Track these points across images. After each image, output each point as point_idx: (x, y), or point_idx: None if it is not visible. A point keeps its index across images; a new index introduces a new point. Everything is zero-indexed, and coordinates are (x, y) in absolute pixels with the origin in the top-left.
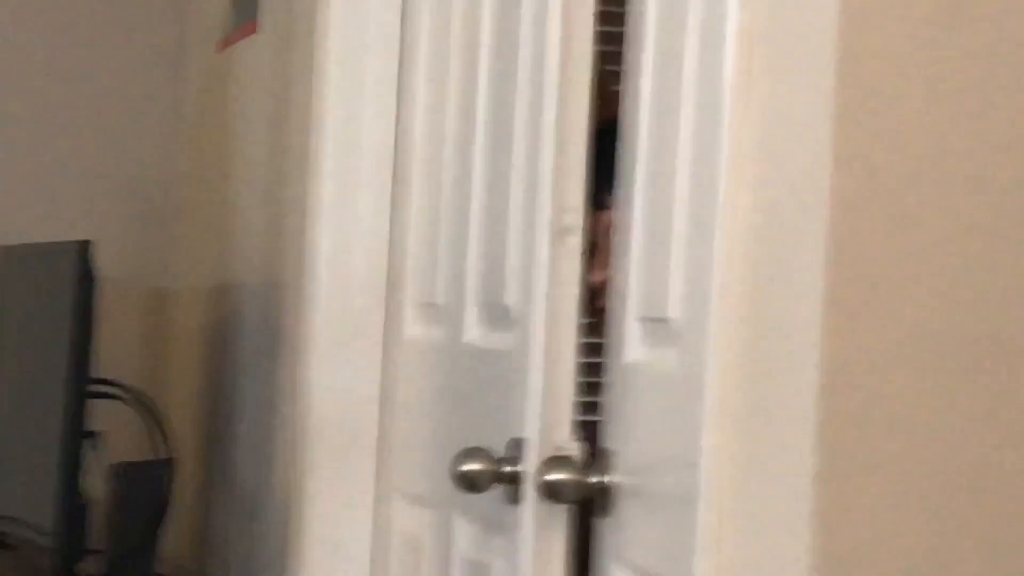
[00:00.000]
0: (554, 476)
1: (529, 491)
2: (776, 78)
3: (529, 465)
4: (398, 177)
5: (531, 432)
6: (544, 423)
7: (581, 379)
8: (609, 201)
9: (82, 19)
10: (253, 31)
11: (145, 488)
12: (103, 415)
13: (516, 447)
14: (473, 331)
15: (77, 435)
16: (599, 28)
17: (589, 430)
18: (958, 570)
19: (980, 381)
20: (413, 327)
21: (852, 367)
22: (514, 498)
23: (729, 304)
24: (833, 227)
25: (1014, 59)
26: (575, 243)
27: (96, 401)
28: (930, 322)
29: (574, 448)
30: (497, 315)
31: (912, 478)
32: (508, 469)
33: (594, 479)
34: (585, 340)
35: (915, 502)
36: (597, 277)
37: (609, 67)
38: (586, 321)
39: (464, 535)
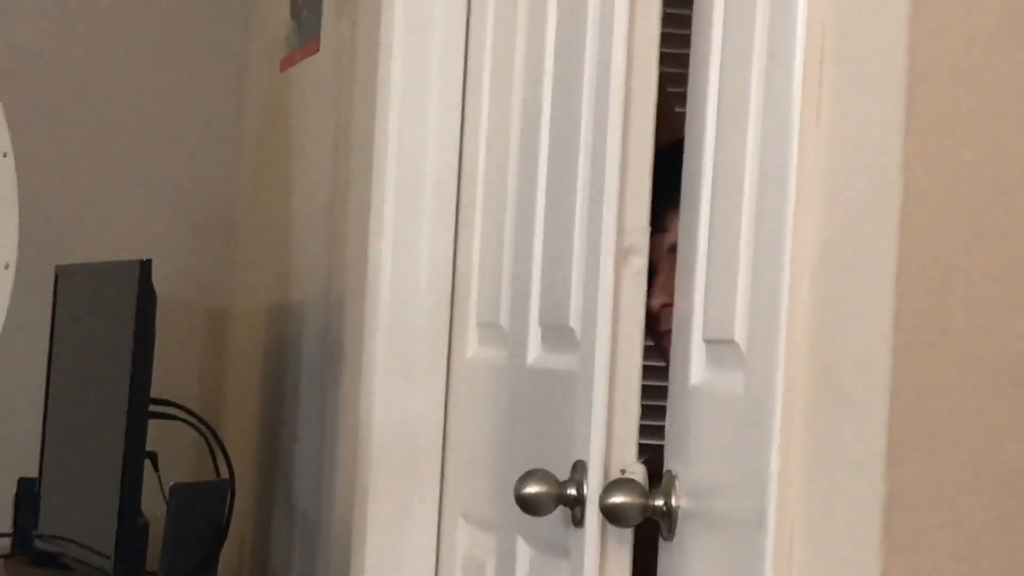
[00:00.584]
0: (617, 499)
1: (592, 514)
2: (845, 100)
3: (592, 488)
4: (462, 197)
5: (595, 454)
6: (608, 445)
7: (643, 402)
8: (669, 223)
9: (145, 36)
10: (316, 51)
11: (204, 509)
12: (162, 435)
13: (579, 469)
14: (536, 352)
15: (137, 455)
16: (663, 49)
17: (646, 453)
18: None
19: None
20: (476, 348)
21: (922, 391)
22: (577, 521)
23: (797, 326)
24: (903, 250)
25: None
26: (639, 263)
27: (155, 421)
28: (1004, 347)
29: (638, 471)
30: (560, 336)
31: (984, 503)
32: (571, 492)
33: (658, 502)
34: (646, 363)
35: (986, 527)
36: (657, 301)
37: (672, 89)
38: (647, 344)
39: (527, 558)
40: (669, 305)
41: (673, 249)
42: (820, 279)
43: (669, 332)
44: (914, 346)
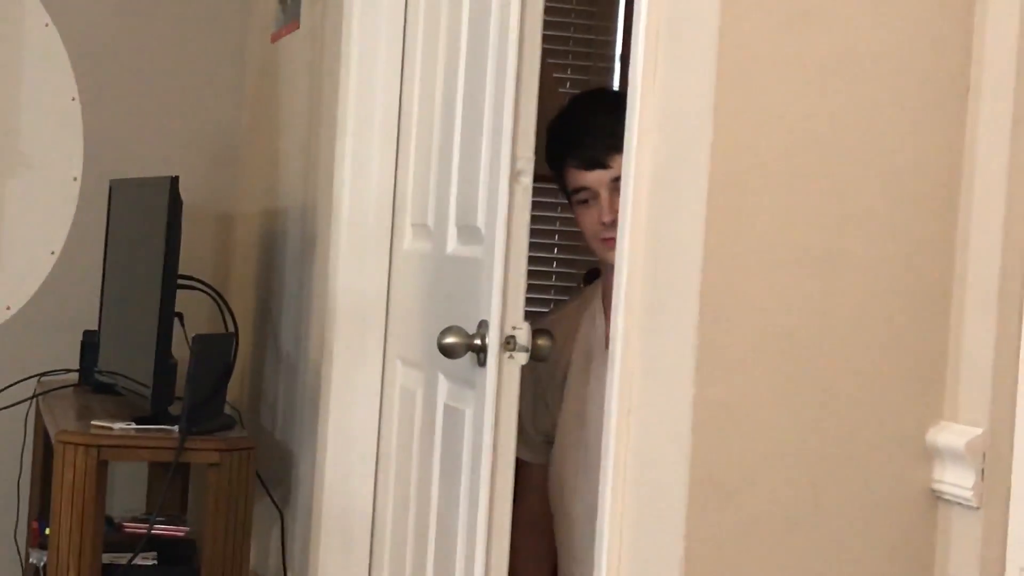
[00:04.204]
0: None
1: (492, 356)
2: (674, 67)
3: (492, 339)
4: (400, 132)
5: (494, 316)
6: (503, 310)
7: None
8: (611, 162)
9: (178, 18)
10: (296, 28)
11: (216, 354)
12: (187, 301)
13: (483, 327)
14: (453, 245)
15: (169, 315)
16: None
17: (529, 318)
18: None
19: (830, 284)
20: (410, 241)
21: (727, 271)
22: (481, 363)
23: (639, 227)
24: (712, 174)
25: (860, 51)
26: (526, 181)
27: (182, 291)
28: (793, 237)
29: (524, 327)
30: (470, 233)
31: (777, 333)
32: (477, 342)
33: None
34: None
35: (783, 353)
36: (607, 217)
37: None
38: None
39: (445, 389)
40: (611, 222)
41: (615, 180)
42: (654, 195)
43: (609, 239)
44: (720, 237)
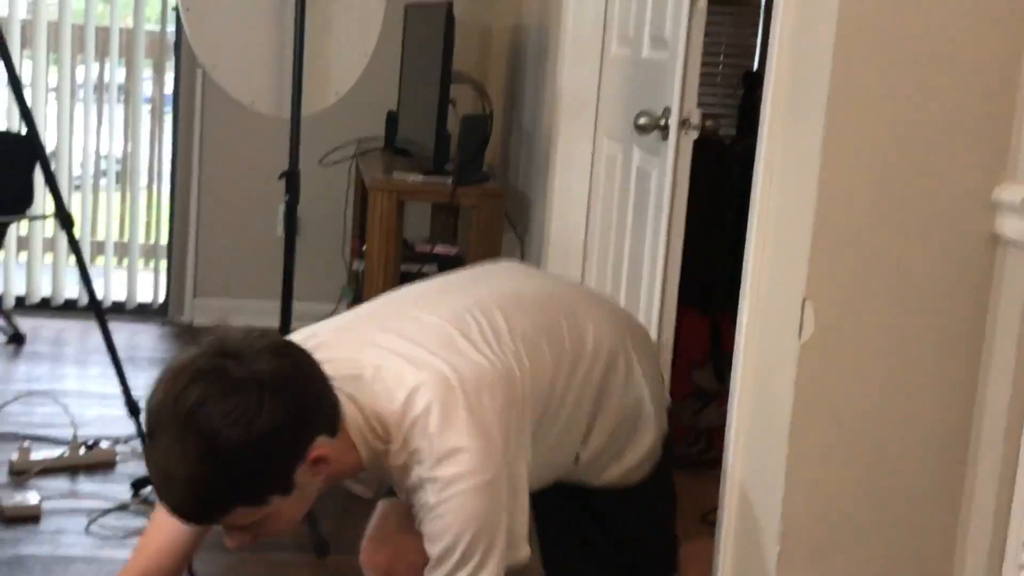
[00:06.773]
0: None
1: (672, 134)
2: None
3: (673, 120)
4: None
5: (675, 104)
6: (681, 100)
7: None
8: None
9: None
10: None
11: (477, 128)
12: (458, 91)
13: (666, 112)
14: (647, 51)
15: (445, 101)
16: None
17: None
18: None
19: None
20: (616, 47)
21: (839, 207)
22: (665, 137)
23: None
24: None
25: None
26: (702, 4)
27: (455, 84)
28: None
29: (696, 113)
30: (659, 42)
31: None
32: (662, 122)
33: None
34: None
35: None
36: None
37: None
38: None
39: (638, 156)
40: None
41: None
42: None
43: None
44: (839, 116)
